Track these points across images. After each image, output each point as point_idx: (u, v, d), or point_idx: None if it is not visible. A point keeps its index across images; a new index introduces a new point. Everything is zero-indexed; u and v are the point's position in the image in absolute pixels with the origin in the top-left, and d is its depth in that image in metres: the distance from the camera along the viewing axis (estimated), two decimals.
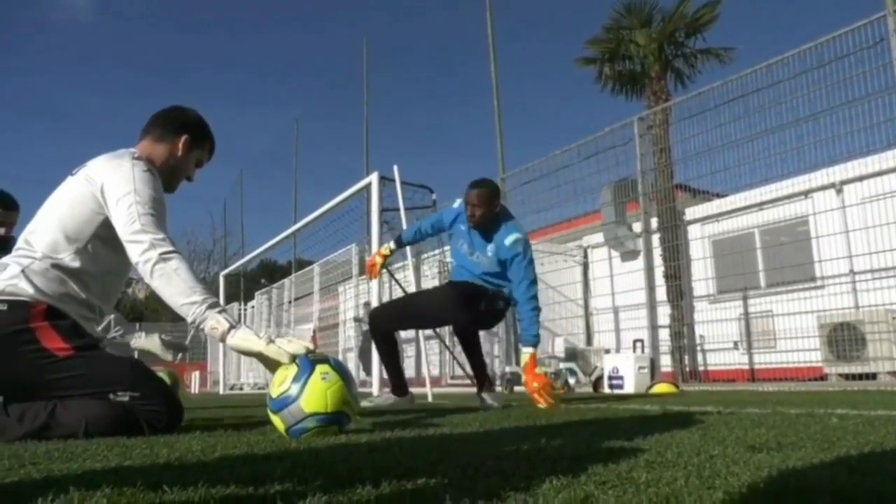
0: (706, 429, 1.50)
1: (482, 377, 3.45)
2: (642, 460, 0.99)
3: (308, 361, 1.63)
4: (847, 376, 6.48)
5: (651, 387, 5.93)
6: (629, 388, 5.98)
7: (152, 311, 36.16)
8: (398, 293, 8.69)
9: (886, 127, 5.09)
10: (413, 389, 6.10)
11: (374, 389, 6.80)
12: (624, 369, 6.13)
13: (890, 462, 0.96)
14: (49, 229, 1.85)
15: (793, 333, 6.97)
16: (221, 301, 9.41)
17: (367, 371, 11.47)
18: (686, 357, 7.47)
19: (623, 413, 2.22)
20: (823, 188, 7.08)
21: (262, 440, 1.59)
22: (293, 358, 1.64)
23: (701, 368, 7.57)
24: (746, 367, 7.73)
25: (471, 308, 3.28)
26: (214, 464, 1.15)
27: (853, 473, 0.85)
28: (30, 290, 1.77)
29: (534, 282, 3.32)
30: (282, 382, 1.59)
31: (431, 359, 9.29)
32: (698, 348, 7.70)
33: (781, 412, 2.12)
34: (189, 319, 1.72)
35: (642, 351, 6.74)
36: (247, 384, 15.89)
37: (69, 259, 1.83)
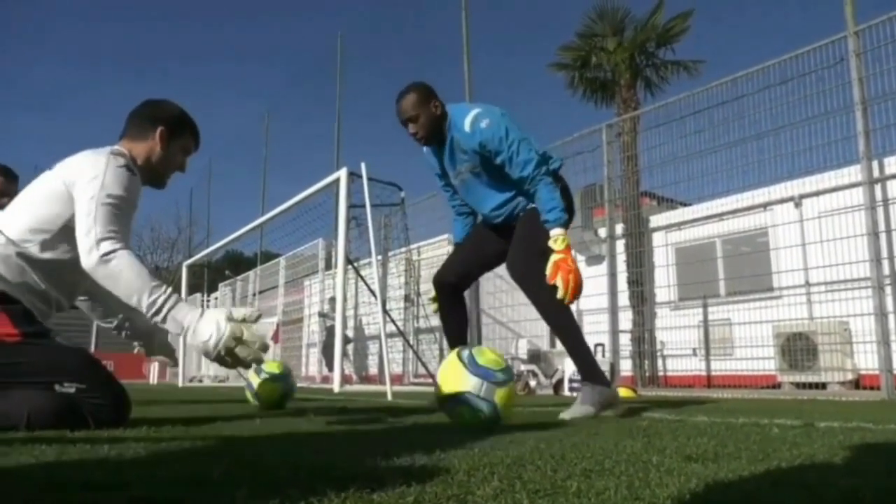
0: (651, 436, 1.53)
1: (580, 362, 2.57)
2: (580, 469, 1.01)
3: None
4: (799, 385, 6.66)
5: None
6: None
7: None
8: (363, 290, 8.66)
9: (844, 144, 5.24)
10: (374, 387, 6.06)
11: (336, 384, 6.76)
12: None
13: (813, 475, 0.99)
14: (18, 217, 1.83)
15: (749, 342, 7.13)
16: (183, 293, 9.19)
17: (330, 367, 11.42)
18: (646, 362, 7.59)
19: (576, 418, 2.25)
20: (783, 201, 7.25)
21: (209, 437, 1.57)
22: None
23: (660, 373, 7.71)
24: (704, 373, 7.89)
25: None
26: (153, 462, 1.14)
27: (775, 487, 0.88)
28: None
29: (531, 150, 2.57)
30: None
31: (394, 356, 9.28)
32: (658, 354, 7.84)
33: (727, 421, 2.16)
34: (151, 310, 1.67)
35: (603, 355, 6.82)
36: (207, 377, 15.68)
37: (34, 249, 1.80)
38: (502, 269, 2.79)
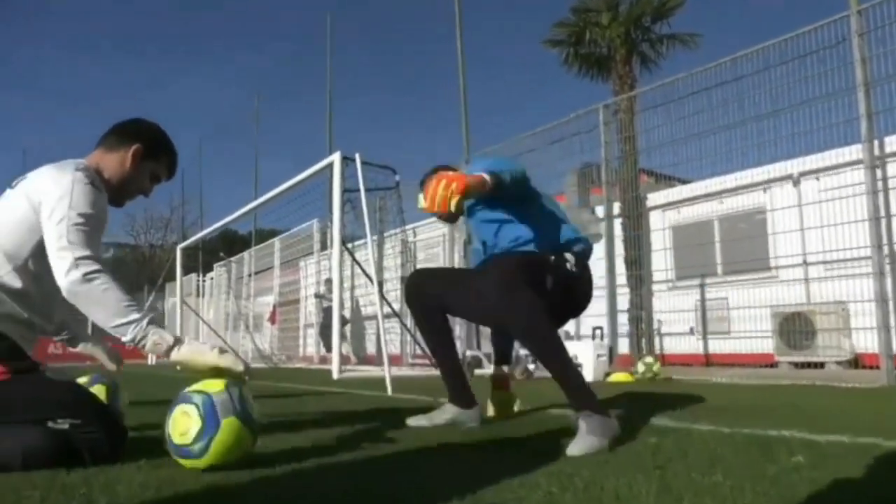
0: (664, 468, 1.50)
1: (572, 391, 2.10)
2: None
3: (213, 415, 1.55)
4: (797, 364, 6.70)
5: (608, 375, 6.04)
6: (588, 375, 6.05)
7: None
8: (360, 271, 8.61)
9: (845, 127, 5.17)
10: (373, 373, 6.00)
11: (335, 369, 6.74)
12: (583, 357, 6.20)
13: None
14: None
15: (747, 321, 7.16)
16: (178, 275, 9.13)
17: (328, 348, 11.43)
18: (643, 342, 7.60)
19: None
20: (781, 179, 7.21)
21: (213, 470, 1.54)
22: (245, 369, 1.62)
23: (658, 353, 7.72)
24: (701, 352, 7.92)
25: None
26: None
27: None
28: None
29: (509, 163, 2.24)
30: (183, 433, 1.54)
31: (391, 338, 9.22)
32: (655, 333, 7.85)
33: (735, 436, 2.13)
34: (127, 339, 1.64)
35: (601, 338, 6.83)
36: None
37: (9, 278, 1.74)
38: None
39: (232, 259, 15.83)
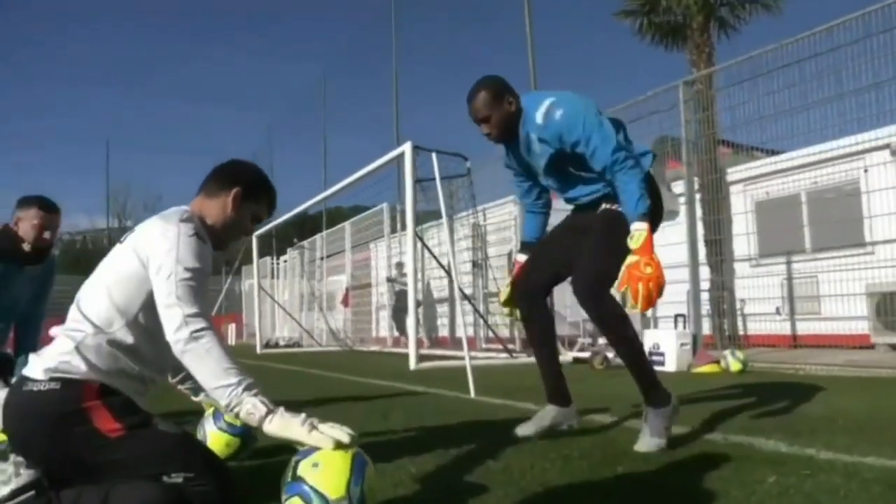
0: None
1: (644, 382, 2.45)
2: None
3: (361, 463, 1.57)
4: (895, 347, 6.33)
5: (693, 366, 5.82)
6: (670, 365, 5.88)
7: None
8: (429, 255, 8.62)
9: None
10: (450, 362, 5.93)
11: (411, 354, 6.78)
12: (665, 346, 6.02)
13: None
14: (99, 301, 1.79)
15: (839, 299, 6.79)
16: (254, 259, 9.31)
17: (401, 331, 11.57)
18: (726, 322, 7.33)
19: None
20: (877, 149, 6.72)
21: None
22: (337, 444, 1.57)
23: (741, 334, 7.43)
24: (788, 333, 7.57)
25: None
26: None
27: None
28: (83, 367, 1.71)
29: (609, 138, 2.34)
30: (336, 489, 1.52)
31: (465, 320, 9.21)
32: (738, 313, 7.56)
33: (855, 464, 1.99)
34: (223, 403, 1.64)
35: (684, 326, 6.60)
36: (281, 338, 16.21)
37: (121, 334, 1.76)
38: None
39: (304, 243, 16.19)
